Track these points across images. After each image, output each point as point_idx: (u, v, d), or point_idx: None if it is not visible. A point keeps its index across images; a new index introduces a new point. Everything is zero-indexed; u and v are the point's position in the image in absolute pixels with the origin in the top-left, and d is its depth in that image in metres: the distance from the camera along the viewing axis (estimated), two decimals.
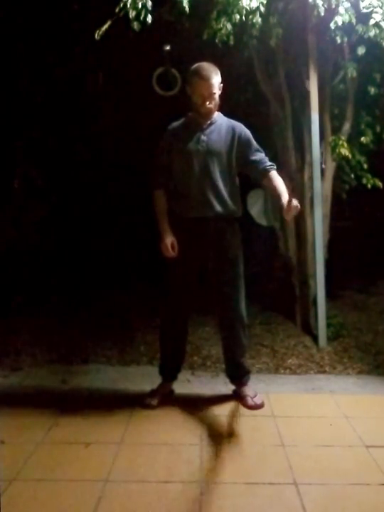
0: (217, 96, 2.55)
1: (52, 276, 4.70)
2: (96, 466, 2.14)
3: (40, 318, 4.15)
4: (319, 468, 2.14)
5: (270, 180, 2.61)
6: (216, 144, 2.59)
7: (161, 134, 2.71)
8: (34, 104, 4.84)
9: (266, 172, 2.62)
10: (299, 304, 4.03)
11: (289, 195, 2.43)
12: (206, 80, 2.49)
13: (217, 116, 2.64)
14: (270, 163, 2.64)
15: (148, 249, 3.51)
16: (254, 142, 2.65)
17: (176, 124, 2.70)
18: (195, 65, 2.56)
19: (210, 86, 2.50)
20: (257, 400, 2.68)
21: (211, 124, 2.62)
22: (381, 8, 3.02)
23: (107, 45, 3.43)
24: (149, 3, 2.96)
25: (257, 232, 4.51)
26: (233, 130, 2.61)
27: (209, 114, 2.59)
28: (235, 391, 2.81)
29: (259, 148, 2.67)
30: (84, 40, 3.72)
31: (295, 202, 2.36)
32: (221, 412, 2.66)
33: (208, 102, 2.53)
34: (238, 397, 2.75)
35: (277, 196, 2.55)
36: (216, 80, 2.51)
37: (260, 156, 2.65)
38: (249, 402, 2.67)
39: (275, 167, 2.65)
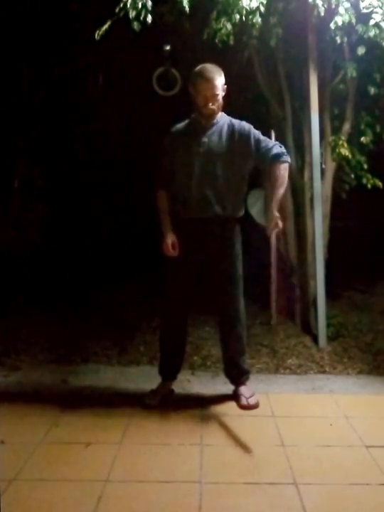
0: (220, 97, 2.54)
1: (52, 275, 4.70)
2: (96, 466, 2.14)
3: (40, 318, 4.15)
4: (319, 468, 2.14)
5: (271, 174, 2.55)
6: (217, 145, 2.58)
7: (161, 133, 2.71)
8: (34, 104, 4.85)
9: (270, 163, 2.55)
10: (299, 304, 4.03)
11: (276, 205, 2.51)
12: (209, 81, 2.49)
13: (220, 117, 2.63)
14: (274, 153, 2.52)
15: (149, 249, 3.51)
16: (253, 135, 2.56)
17: (179, 125, 2.70)
18: (199, 66, 2.56)
19: (213, 87, 2.49)
20: (251, 401, 2.67)
21: (213, 125, 2.60)
22: (381, 8, 3.03)
23: (107, 45, 3.43)
24: (149, 3, 2.96)
25: (257, 232, 4.50)
26: (232, 129, 2.59)
27: (212, 115, 2.59)
28: (233, 391, 2.81)
29: (265, 139, 2.57)
30: (84, 40, 3.73)
31: (278, 220, 2.47)
32: (221, 412, 2.66)
33: (210, 103, 2.52)
34: (234, 396, 2.75)
35: (270, 197, 2.57)
36: (219, 81, 2.51)
37: (263, 147, 2.55)
38: (243, 402, 2.67)
39: (281, 156, 2.53)
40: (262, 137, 2.59)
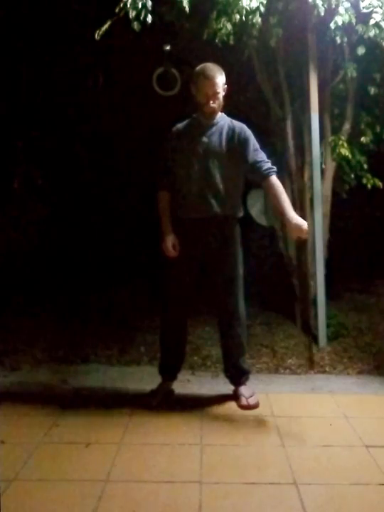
0: (221, 96, 2.57)
1: (52, 276, 4.70)
2: (96, 466, 2.14)
3: (40, 318, 4.15)
4: (319, 468, 2.14)
5: (270, 187, 2.59)
6: (216, 145, 2.59)
7: (161, 133, 2.72)
8: (34, 104, 4.85)
9: (266, 176, 2.59)
10: (298, 304, 4.03)
11: (293, 212, 2.49)
12: (210, 79, 2.51)
13: (221, 117, 2.64)
14: (268, 167, 2.59)
15: (149, 249, 3.51)
16: (252, 144, 2.60)
17: (180, 125, 2.71)
18: (201, 65, 2.58)
19: (214, 85, 2.51)
20: (251, 401, 2.68)
21: (213, 125, 2.62)
22: (381, 8, 3.03)
23: (107, 45, 3.43)
24: (149, 3, 2.97)
25: (257, 232, 4.51)
26: (233, 130, 2.61)
27: (212, 114, 2.60)
28: (233, 391, 2.81)
29: (260, 152, 2.62)
30: (85, 40, 3.73)
31: (302, 224, 2.42)
32: (221, 412, 2.66)
33: (211, 102, 2.54)
34: (234, 396, 2.76)
35: (280, 212, 2.57)
36: (220, 79, 2.53)
37: (259, 158, 2.60)
38: (243, 402, 2.68)
39: (274, 170, 2.60)
40: (258, 148, 2.63)
